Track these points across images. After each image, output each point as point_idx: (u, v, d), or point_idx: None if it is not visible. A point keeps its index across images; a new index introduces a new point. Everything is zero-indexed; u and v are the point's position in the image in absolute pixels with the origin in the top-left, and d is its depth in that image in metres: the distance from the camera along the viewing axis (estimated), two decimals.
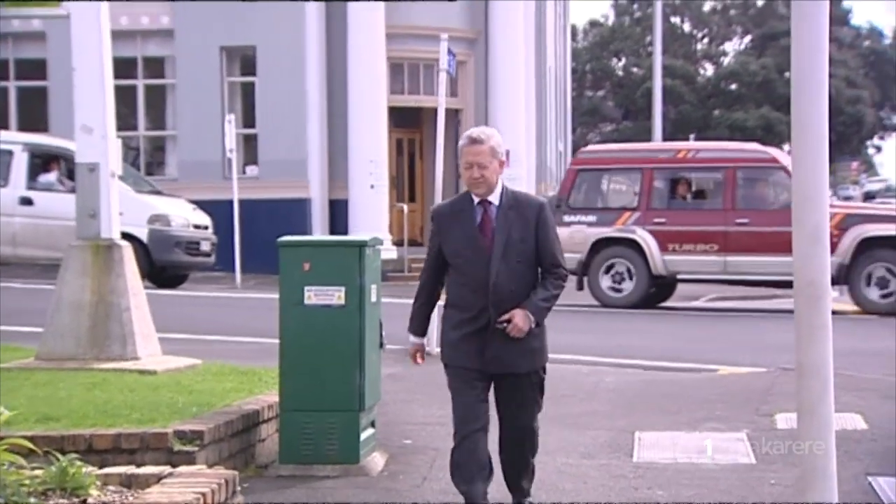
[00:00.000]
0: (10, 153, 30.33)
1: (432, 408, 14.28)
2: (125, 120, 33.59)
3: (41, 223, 28.36)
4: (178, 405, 11.66)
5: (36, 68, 37.06)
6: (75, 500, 7.39)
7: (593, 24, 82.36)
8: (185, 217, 31.59)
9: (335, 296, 11.76)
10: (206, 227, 32.63)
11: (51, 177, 30.50)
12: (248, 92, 37.59)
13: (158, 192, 32.87)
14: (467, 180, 8.63)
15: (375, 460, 11.84)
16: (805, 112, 4.29)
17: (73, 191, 27.22)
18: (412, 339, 9.29)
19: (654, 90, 50.91)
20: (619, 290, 28.99)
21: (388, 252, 30.39)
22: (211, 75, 36.91)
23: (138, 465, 8.60)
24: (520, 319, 8.46)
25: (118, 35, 31.29)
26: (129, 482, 7.98)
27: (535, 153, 40.36)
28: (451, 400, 9.06)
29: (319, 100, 36.62)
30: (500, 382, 8.94)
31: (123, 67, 34.30)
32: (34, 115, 36.95)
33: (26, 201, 29.90)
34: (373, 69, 36.37)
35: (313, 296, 11.75)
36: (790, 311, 17.86)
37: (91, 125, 15.52)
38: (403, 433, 12.96)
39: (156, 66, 37.67)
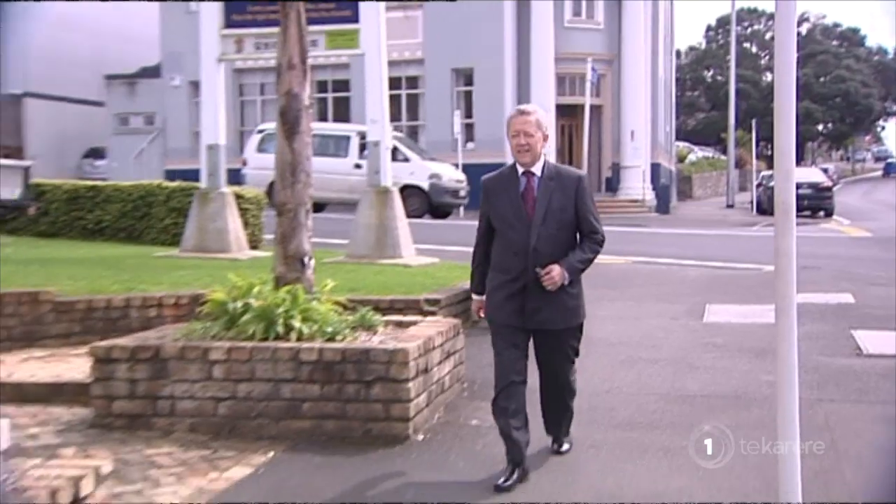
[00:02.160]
0: (348, 138, 30.93)
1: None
2: (395, 116, 34.24)
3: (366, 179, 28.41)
4: (426, 284, 12.17)
5: (343, 85, 37.60)
6: (370, 331, 8.02)
7: (692, 48, 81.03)
8: (449, 175, 31.47)
9: None
10: (462, 181, 32.58)
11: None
12: (468, 96, 37.74)
13: (433, 159, 33.01)
14: (514, 147, 6.39)
15: None
16: (781, 97, 4.46)
17: None
18: (474, 297, 6.82)
19: (730, 91, 50.38)
20: None
21: None
22: (446, 87, 37.33)
23: (402, 321, 8.88)
24: (556, 273, 6.25)
25: (391, 63, 32.07)
26: (398, 325, 8.53)
27: (650, 133, 39.88)
28: (494, 356, 6.64)
29: (512, 100, 36.59)
30: (539, 338, 6.58)
31: (393, 83, 34.96)
32: (341, 115, 37.26)
33: (357, 166, 29.15)
34: (546, 80, 36.33)
35: None
36: (812, 236, 17.33)
37: (375, 118, 16.28)
38: None
39: (413, 82, 38.00)
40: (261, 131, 32.02)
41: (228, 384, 7.43)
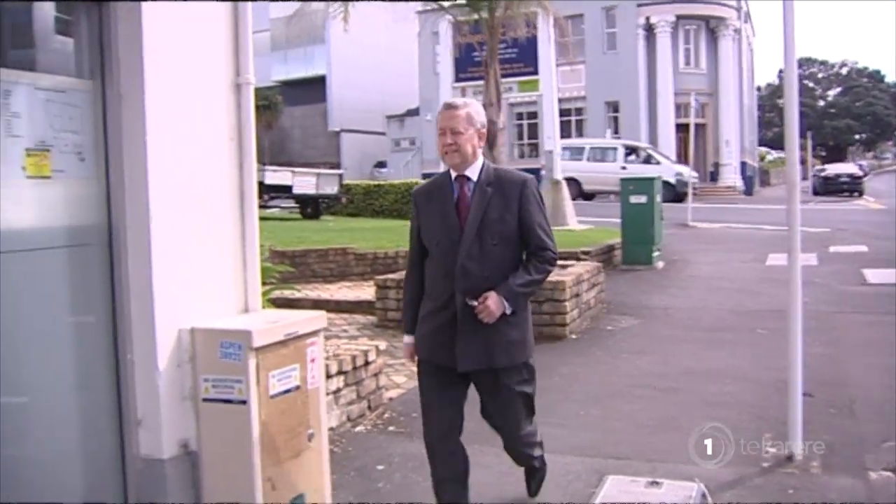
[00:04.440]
0: (616, 148, 28.78)
1: (688, 245, 14.05)
2: (568, 134, 33.24)
3: (627, 174, 20.75)
4: (582, 241, 12.06)
5: (533, 115, 35.64)
6: None
7: (769, 84, 76.42)
8: (687, 172, 25.92)
9: (643, 198, 11.79)
10: (696, 176, 28.00)
11: (632, 157, 28.18)
12: (615, 120, 36.66)
13: (674, 161, 29.63)
14: (440, 148, 3.33)
15: (660, 264, 11.85)
16: (789, 118, 4.45)
17: (644, 162, 26.93)
18: (405, 338, 3.53)
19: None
20: None
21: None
22: (600, 113, 36.64)
23: (564, 264, 8.84)
24: (493, 302, 3.20)
25: (565, 99, 31.67)
26: (561, 266, 8.35)
27: (739, 141, 38.18)
28: (420, 399, 3.45)
29: (645, 122, 35.67)
30: (478, 382, 3.39)
31: (566, 112, 34.18)
32: (533, 135, 36.15)
33: (623, 168, 25.45)
34: (668, 108, 35.33)
35: (633, 198, 11.91)
36: (846, 209, 16.43)
37: (549, 136, 16.21)
38: (673, 254, 12.77)
39: (579, 111, 37.02)
40: None
41: None
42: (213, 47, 3.34)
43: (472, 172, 3.34)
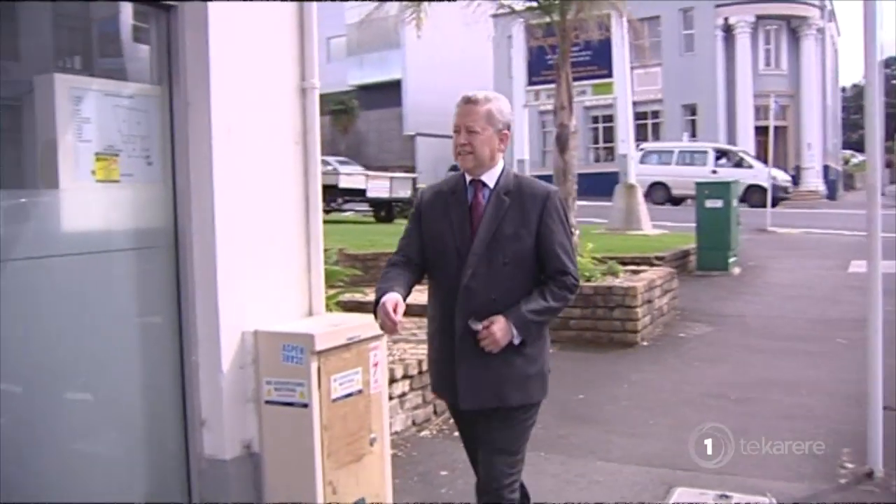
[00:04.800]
0: (706, 152, 27.36)
1: (766, 250, 13.64)
2: (644, 137, 32.52)
3: (714, 178, 19.05)
4: (656, 246, 11.79)
5: (608, 119, 34.97)
6: (614, 276, 7.87)
7: (854, 84, 73.60)
8: (781, 177, 25.28)
9: (719, 203, 11.45)
10: (788, 181, 27.28)
11: (722, 160, 26.58)
12: (693, 123, 35.73)
13: (769, 166, 26.16)
14: (454, 149, 2.80)
15: (736, 270, 11.48)
16: (870, 118, 4.26)
17: (735, 165, 25.56)
18: (385, 296, 2.73)
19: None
20: None
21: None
22: (677, 116, 35.86)
23: (637, 269, 8.69)
24: (498, 328, 2.59)
25: (640, 102, 31.05)
26: (634, 272, 8.34)
27: (822, 144, 36.89)
28: None
29: (724, 124, 34.83)
30: (483, 418, 2.75)
31: (642, 116, 33.56)
32: (608, 138, 35.14)
33: (713, 172, 24.17)
34: (747, 110, 34.35)
35: (709, 202, 11.61)
36: None
37: (624, 139, 15.91)
38: (750, 259, 12.33)
39: (655, 114, 36.35)
40: (641, 150, 26.65)
41: None
42: (279, 53, 3.35)
43: (489, 178, 2.78)
